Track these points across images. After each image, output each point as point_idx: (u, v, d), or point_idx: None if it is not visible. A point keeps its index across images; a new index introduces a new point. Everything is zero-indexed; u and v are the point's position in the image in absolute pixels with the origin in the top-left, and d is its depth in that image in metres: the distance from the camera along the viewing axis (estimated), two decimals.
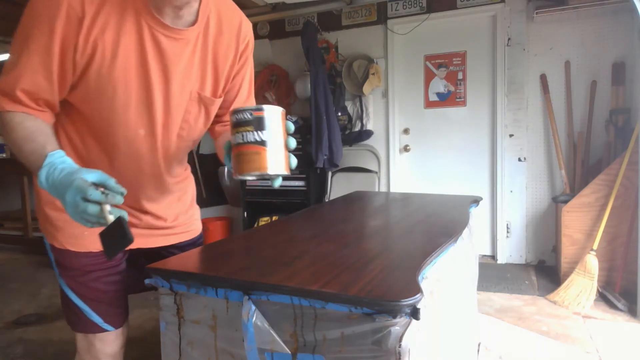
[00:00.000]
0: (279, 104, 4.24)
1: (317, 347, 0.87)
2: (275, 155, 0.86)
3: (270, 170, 0.86)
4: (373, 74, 3.91)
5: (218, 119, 1.25)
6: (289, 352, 0.89)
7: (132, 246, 1.10)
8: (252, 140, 0.84)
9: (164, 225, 1.26)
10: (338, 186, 4.15)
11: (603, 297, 2.87)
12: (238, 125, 0.85)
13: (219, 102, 1.17)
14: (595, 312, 2.69)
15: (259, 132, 0.84)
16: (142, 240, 1.21)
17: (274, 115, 0.86)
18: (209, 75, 1.11)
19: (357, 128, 4.12)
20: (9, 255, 4.47)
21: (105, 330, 1.17)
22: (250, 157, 0.84)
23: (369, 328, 0.81)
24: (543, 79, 3.55)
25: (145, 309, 2.78)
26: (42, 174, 0.87)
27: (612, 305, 2.74)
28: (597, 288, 2.84)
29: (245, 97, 1.24)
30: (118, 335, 1.21)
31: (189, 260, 1.17)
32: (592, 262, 2.84)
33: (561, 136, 3.49)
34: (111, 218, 0.81)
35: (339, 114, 4.02)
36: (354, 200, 2.15)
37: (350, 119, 4.13)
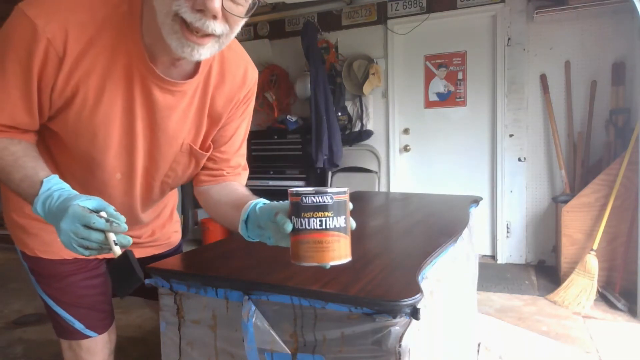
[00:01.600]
0: (279, 104, 4.24)
1: (317, 347, 0.87)
2: (350, 240, 0.78)
3: (350, 258, 0.78)
4: (373, 74, 3.91)
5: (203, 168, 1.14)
6: (289, 352, 0.89)
7: (106, 256, 1.07)
8: (333, 227, 0.75)
9: (138, 242, 1.19)
10: (338, 186, 4.14)
11: (603, 297, 2.86)
12: (315, 209, 0.74)
13: (209, 153, 1.09)
14: (595, 312, 2.68)
15: (339, 218, 0.75)
16: None
17: (347, 198, 0.78)
18: (204, 128, 1.03)
19: (357, 128, 4.12)
20: (9, 255, 4.46)
21: (88, 337, 1.13)
22: (331, 245, 0.75)
23: (369, 328, 0.82)
24: (543, 79, 3.55)
25: (145, 309, 2.76)
26: (38, 202, 0.80)
27: (612, 305, 2.74)
28: (597, 288, 2.83)
29: (235, 149, 1.11)
30: (105, 343, 1.17)
31: (189, 260, 1.17)
32: (592, 262, 2.84)
33: (561, 136, 3.49)
34: (117, 249, 0.77)
35: (339, 114, 4.01)
36: (354, 201, 2.14)
37: (350, 119, 4.13)
